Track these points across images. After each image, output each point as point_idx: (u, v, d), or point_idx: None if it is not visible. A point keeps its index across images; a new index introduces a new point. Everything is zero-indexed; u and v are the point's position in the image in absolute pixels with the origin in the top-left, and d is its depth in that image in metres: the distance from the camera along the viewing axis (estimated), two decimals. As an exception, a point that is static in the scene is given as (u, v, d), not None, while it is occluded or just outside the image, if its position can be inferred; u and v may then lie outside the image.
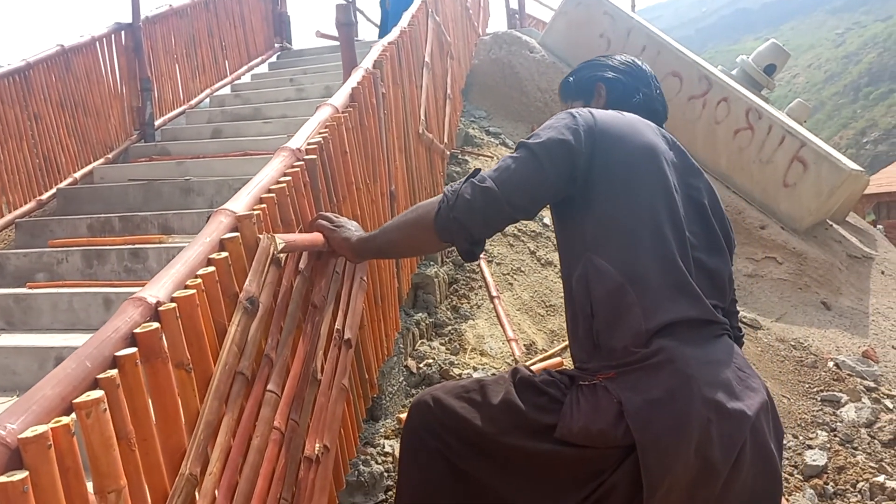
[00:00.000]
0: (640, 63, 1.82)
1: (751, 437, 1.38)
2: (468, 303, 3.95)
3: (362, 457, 2.50)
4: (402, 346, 3.19)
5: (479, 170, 1.55)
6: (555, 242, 3.85)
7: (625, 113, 1.61)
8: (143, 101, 5.82)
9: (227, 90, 7.18)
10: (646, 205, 1.48)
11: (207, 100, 6.88)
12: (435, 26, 4.65)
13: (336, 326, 2.04)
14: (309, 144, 2.13)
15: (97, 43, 5.38)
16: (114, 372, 1.16)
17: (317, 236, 1.86)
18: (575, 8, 6.80)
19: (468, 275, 4.18)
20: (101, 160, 5.33)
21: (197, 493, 1.30)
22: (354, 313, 2.19)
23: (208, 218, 1.66)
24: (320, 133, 2.23)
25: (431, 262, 3.94)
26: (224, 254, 1.54)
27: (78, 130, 5.15)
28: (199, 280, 1.42)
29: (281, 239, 1.67)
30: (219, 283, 1.49)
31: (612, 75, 1.78)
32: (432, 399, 1.58)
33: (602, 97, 1.78)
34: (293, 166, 1.99)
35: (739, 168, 5.80)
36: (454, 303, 3.93)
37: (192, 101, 6.64)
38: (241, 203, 1.74)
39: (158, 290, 1.36)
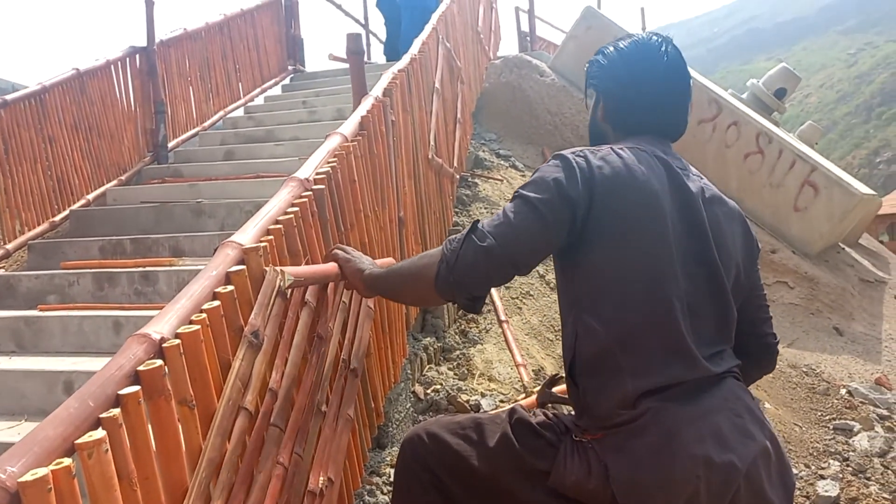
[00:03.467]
0: (654, 48, 1.58)
1: (745, 486, 1.34)
2: (477, 327, 3.94)
3: (368, 487, 2.48)
4: (409, 371, 3.18)
5: (479, 221, 1.48)
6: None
7: (625, 152, 1.48)
8: (156, 123, 5.88)
9: (240, 112, 7.24)
10: (641, 261, 1.41)
11: (220, 122, 6.93)
12: (445, 52, 4.68)
13: (342, 356, 2.04)
14: (317, 174, 2.15)
15: (112, 66, 5.45)
16: (116, 411, 1.16)
17: (325, 268, 1.86)
18: (585, 32, 6.83)
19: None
20: (115, 182, 5.37)
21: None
22: (361, 342, 2.19)
23: (215, 250, 1.67)
24: (329, 162, 2.24)
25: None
26: (230, 287, 1.54)
27: (92, 153, 5.20)
28: (204, 315, 1.43)
29: (290, 274, 1.67)
30: (224, 318, 1.49)
31: (610, 86, 1.63)
32: (426, 434, 1.57)
33: (600, 110, 1.66)
34: (301, 196, 2.00)
35: (750, 191, 5.78)
36: (463, 327, 3.92)
37: (206, 123, 6.69)
38: (248, 235, 1.75)
39: (163, 325, 1.36)
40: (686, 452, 1.31)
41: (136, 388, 1.21)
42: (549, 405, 2.09)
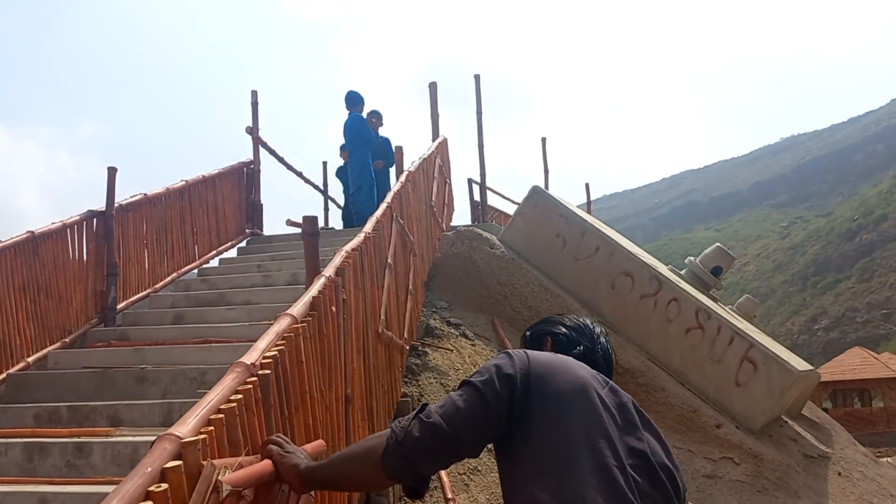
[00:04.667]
0: (590, 324, 2.00)
1: None
2: (423, 507, 3.83)
3: None
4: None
5: (427, 405, 1.59)
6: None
7: (559, 355, 1.71)
8: (108, 284, 5.87)
9: (193, 274, 7.28)
10: (581, 436, 1.51)
11: (173, 284, 6.93)
12: (399, 228, 4.89)
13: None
14: (264, 358, 2.18)
15: (68, 229, 5.52)
16: None
17: (264, 467, 1.84)
18: (532, 210, 7.23)
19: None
20: (58, 344, 5.26)
21: None
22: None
23: (152, 444, 1.65)
24: (277, 345, 2.28)
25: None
26: (164, 486, 1.52)
27: (38, 314, 5.13)
28: (136, 518, 1.40)
29: (227, 483, 1.65)
30: (156, 518, 1.46)
31: (558, 330, 1.95)
32: None
33: (548, 347, 1.92)
34: (246, 383, 2.01)
35: (693, 365, 5.94)
36: (407, 506, 3.81)
37: (158, 285, 6.68)
38: (187, 426, 1.73)
39: (92, 530, 1.33)
40: None
41: None
42: None
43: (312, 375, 2.53)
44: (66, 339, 5.35)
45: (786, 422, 6.24)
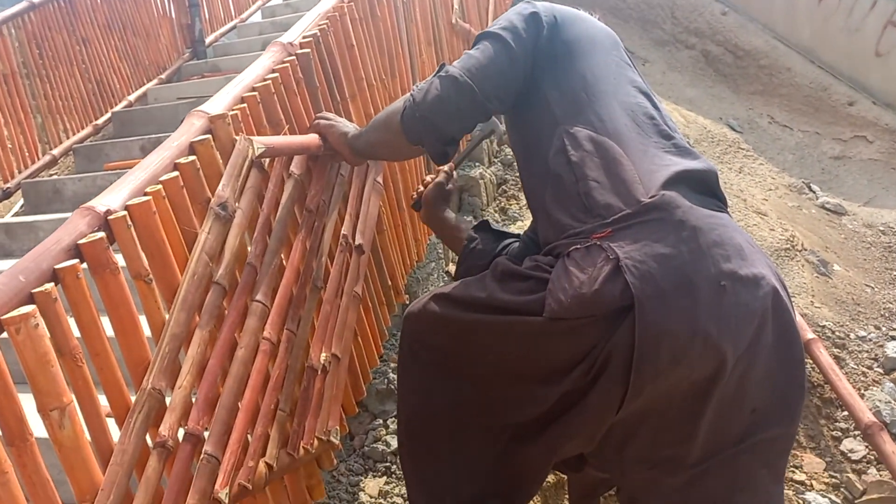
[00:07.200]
0: None
1: (773, 315, 1.18)
2: (517, 203, 3.78)
3: (393, 364, 2.45)
4: (440, 250, 3.08)
5: (444, 64, 1.41)
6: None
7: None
8: (191, 17, 5.75)
9: (278, 0, 7.01)
10: (612, 70, 1.37)
11: (259, 13, 6.74)
12: None
13: (343, 232, 1.94)
14: (304, 38, 1.99)
15: (139, -40, 5.29)
16: (50, 286, 1.10)
17: (307, 139, 1.73)
18: None
19: (517, 174, 3.99)
20: (155, 81, 5.32)
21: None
22: (367, 218, 2.08)
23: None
24: (319, 25, 2.07)
25: (476, 164, 3.77)
26: (191, 158, 1.44)
27: (129, 52, 5.15)
28: (159, 187, 1.34)
29: (260, 143, 1.56)
30: (185, 189, 1.40)
31: None
32: (421, 308, 1.48)
33: None
34: (283, 62, 1.85)
35: (824, 39, 5.23)
36: (502, 204, 3.77)
37: (244, 15, 6.53)
38: (218, 103, 1.63)
39: (112, 198, 1.28)
40: (711, 255, 1.15)
41: (74, 261, 1.15)
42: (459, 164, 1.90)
43: (368, 62, 2.34)
44: (163, 76, 5.40)
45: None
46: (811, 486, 2.45)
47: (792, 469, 2.51)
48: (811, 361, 2.69)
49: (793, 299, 3.06)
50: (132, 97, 5.09)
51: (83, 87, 4.73)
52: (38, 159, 4.28)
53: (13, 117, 4.16)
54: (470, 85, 1.33)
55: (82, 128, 4.65)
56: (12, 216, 3.92)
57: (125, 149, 4.29)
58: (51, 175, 4.39)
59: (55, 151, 4.39)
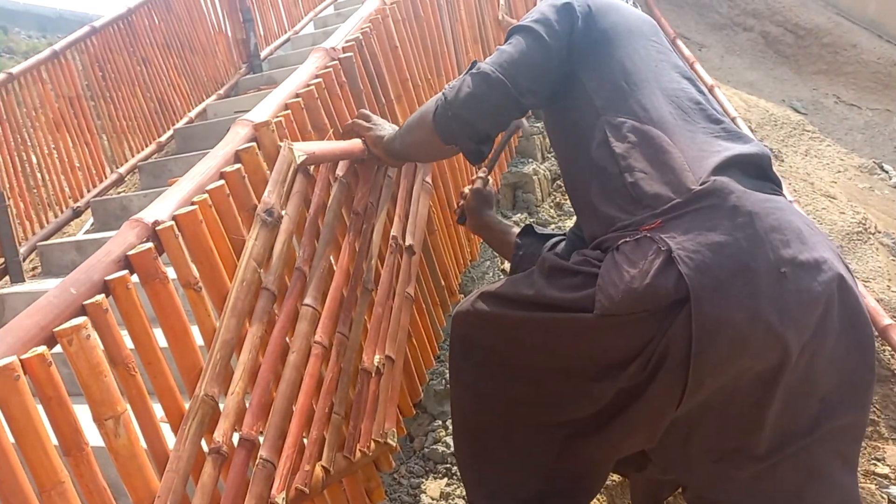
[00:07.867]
0: None
1: (839, 299, 1.12)
2: (574, 198, 3.71)
3: (451, 364, 2.42)
4: (496, 248, 3.04)
5: (476, 62, 1.39)
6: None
7: None
8: (246, 32, 5.88)
9: (330, 10, 7.10)
10: (653, 57, 1.33)
11: (311, 24, 6.85)
12: None
13: (392, 233, 1.94)
14: (346, 42, 1.99)
15: (194, -20, 5.45)
16: (101, 297, 1.12)
17: (350, 144, 1.73)
18: None
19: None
20: (214, 97, 5.46)
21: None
22: (417, 218, 2.07)
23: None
24: (361, 28, 2.08)
25: (530, 160, 3.72)
26: (236, 166, 1.46)
27: (187, 70, 5.30)
28: (206, 196, 1.36)
29: (301, 150, 1.56)
30: (231, 197, 1.42)
31: None
32: (470, 307, 1.45)
33: None
34: (326, 67, 1.86)
35: (892, 11, 4.97)
36: (557, 199, 3.70)
37: (297, 27, 6.65)
38: (262, 111, 1.65)
39: (160, 209, 1.31)
40: (769, 240, 1.09)
41: (124, 272, 1.17)
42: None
43: (413, 62, 2.33)
44: (221, 92, 5.53)
45: None
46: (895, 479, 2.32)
47: (874, 461, 2.38)
48: (890, 348, 2.54)
49: (868, 284, 2.91)
50: (192, 113, 5.23)
51: (145, 106, 4.89)
52: (106, 178, 4.44)
53: (80, 138, 4.34)
54: (502, 80, 1.30)
55: (146, 146, 4.81)
56: (83, 234, 4.07)
57: (188, 164, 4.39)
58: (118, 193, 4.55)
59: (121, 170, 4.55)
